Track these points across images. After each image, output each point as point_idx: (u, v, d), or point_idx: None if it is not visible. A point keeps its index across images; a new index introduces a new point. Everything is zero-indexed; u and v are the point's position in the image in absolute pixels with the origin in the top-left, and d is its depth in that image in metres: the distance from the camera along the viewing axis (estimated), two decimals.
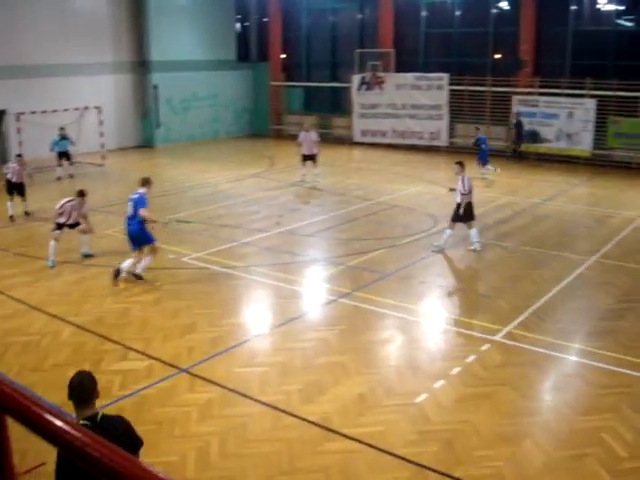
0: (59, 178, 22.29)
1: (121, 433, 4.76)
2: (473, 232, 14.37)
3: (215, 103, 33.43)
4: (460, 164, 14.44)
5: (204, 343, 9.88)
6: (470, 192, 14.24)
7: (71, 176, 22.78)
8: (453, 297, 12.05)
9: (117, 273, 12.35)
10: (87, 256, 14.04)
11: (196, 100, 32.44)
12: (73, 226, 13.81)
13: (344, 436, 7.45)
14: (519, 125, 25.94)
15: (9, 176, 17.33)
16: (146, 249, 12.47)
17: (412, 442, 7.33)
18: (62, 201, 13.73)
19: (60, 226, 13.61)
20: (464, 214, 14.29)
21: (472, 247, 14.36)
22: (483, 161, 22.83)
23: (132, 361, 9.31)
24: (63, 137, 22.73)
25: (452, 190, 14.56)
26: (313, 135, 21.75)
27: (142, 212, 12.01)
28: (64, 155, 22.70)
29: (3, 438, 2.04)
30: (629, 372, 8.96)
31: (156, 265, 13.35)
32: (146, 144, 30.98)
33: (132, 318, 10.88)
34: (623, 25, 25.93)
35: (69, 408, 7.92)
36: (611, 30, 25.38)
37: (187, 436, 7.47)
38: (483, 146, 22.90)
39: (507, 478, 6.68)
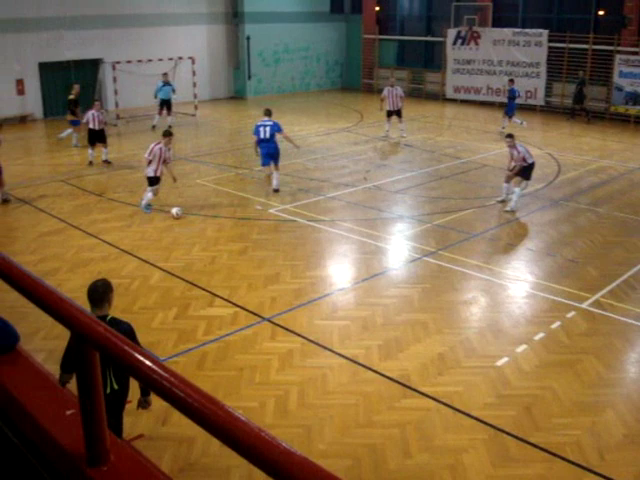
0: (154, 127, 22.50)
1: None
2: (506, 186, 14.64)
3: (307, 55, 33.33)
4: (511, 136, 14.50)
5: (287, 294, 10.03)
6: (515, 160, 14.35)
7: (169, 127, 22.92)
8: (540, 261, 11.78)
9: (277, 190, 15.12)
10: (145, 211, 13.87)
11: (288, 52, 32.41)
12: (156, 181, 13.74)
13: (422, 394, 7.48)
14: (581, 84, 25.50)
15: (90, 125, 17.61)
16: (273, 166, 15.09)
17: (490, 405, 7.29)
18: (150, 147, 13.65)
19: (152, 181, 13.64)
20: (522, 172, 14.42)
21: (500, 199, 14.78)
22: (510, 113, 23.16)
23: (217, 308, 9.56)
24: (166, 83, 22.67)
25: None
26: (398, 90, 21.71)
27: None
28: (165, 103, 22.65)
29: (94, 375, 2.13)
30: None
31: (243, 215, 13.61)
32: (237, 95, 31.25)
33: (219, 266, 11.13)
34: None
35: (155, 349, 8.25)
36: None
37: (267, 384, 7.65)
38: (515, 99, 23.34)
39: (585, 447, 6.57)
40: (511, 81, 24.10)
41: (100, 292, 5.60)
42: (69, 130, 20.15)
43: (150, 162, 13.54)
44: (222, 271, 10.93)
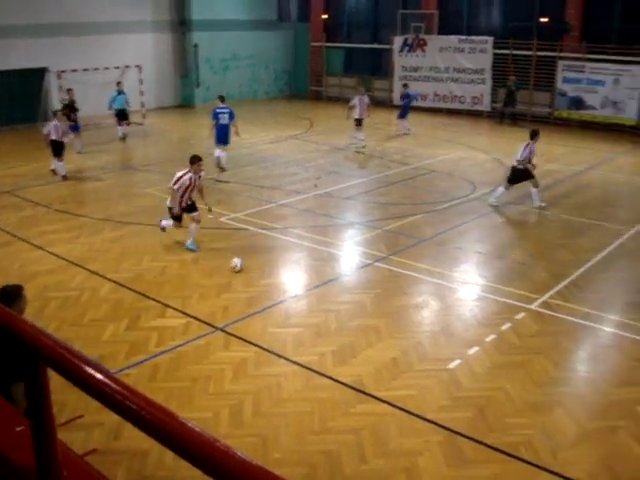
0: (124, 138, 22.20)
1: None
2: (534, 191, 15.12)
3: (255, 63, 33.31)
4: (535, 132, 15.17)
5: (240, 302, 9.98)
6: (524, 160, 14.72)
7: (123, 138, 22.56)
8: (490, 264, 11.96)
9: (223, 168, 17.52)
10: (191, 250, 12.13)
11: (236, 60, 32.34)
12: (189, 209, 12.12)
13: (376, 399, 7.51)
14: (510, 91, 26.61)
15: (53, 136, 16.97)
16: (223, 146, 17.85)
17: (444, 407, 7.36)
18: (177, 175, 11.89)
19: (177, 217, 12.09)
20: (513, 177, 14.96)
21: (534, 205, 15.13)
22: (403, 115, 24.22)
23: (169, 318, 9.46)
24: (120, 92, 22.25)
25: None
26: (367, 99, 22.00)
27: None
28: (121, 114, 22.22)
29: (44, 390, 2.09)
30: None
31: None
32: (185, 104, 31.03)
33: (170, 276, 11.01)
34: None
35: (106, 362, 8.12)
36: None
37: (221, 394, 7.59)
38: (410, 102, 24.61)
39: (538, 446, 6.68)
40: (405, 85, 25.71)
41: (6, 297, 5.33)
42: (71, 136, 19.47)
43: (176, 192, 11.83)
44: (173, 281, 10.82)
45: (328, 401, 7.45)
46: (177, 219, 12.18)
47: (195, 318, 9.43)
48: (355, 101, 21.77)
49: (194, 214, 12.11)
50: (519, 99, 27.08)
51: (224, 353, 8.51)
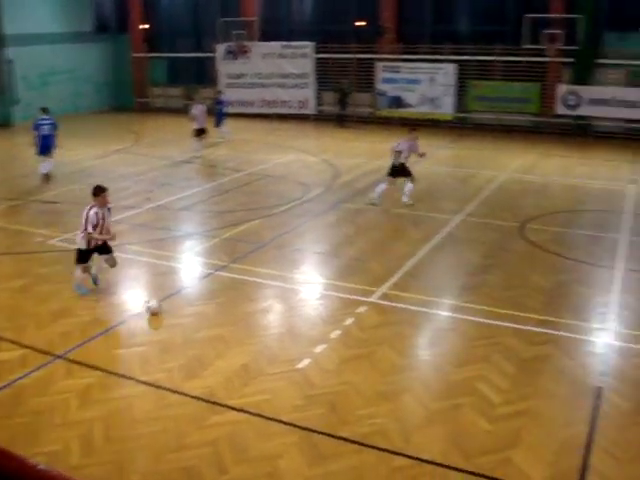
0: None
1: None
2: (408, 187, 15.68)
3: (74, 77, 32.14)
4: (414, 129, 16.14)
5: (80, 327, 9.57)
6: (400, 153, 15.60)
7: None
8: (328, 262, 12.25)
9: (48, 175, 17.53)
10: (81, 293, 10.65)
11: (54, 74, 31.07)
12: (101, 250, 10.69)
13: (230, 408, 7.47)
14: (344, 93, 27.58)
15: None
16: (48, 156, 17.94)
17: (298, 407, 7.45)
18: (83, 214, 10.40)
19: (87, 253, 10.57)
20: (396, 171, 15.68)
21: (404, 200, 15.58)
22: (219, 122, 24.41)
23: (4, 352, 8.89)
24: None
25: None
26: (203, 107, 22.00)
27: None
28: None
29: None
30: (498, 323, 9.48)
31: (22, 249, 12.81)
32: (1, 123, 29.37)
33: (0, 306, 10.37)
34: None
35: None
36: None
37: (69, 424, 7.25)
38: (224, 109, 24.81)
39: (390, 433, 6.93)
40: (219, 92, 26.04)
41: None
42: None
43: (85, 231, 10.33)
44: (4, 311, 10.19)
45: (182, 417, 7.33)
46: (83, 260, 10.56)
47: (32, 348, 8.94)
48: (194, 111, 21.65)
49: (106, 256, 10.74)
50: (332, 101, 28.07)
51: (67, 381, 8.13)
